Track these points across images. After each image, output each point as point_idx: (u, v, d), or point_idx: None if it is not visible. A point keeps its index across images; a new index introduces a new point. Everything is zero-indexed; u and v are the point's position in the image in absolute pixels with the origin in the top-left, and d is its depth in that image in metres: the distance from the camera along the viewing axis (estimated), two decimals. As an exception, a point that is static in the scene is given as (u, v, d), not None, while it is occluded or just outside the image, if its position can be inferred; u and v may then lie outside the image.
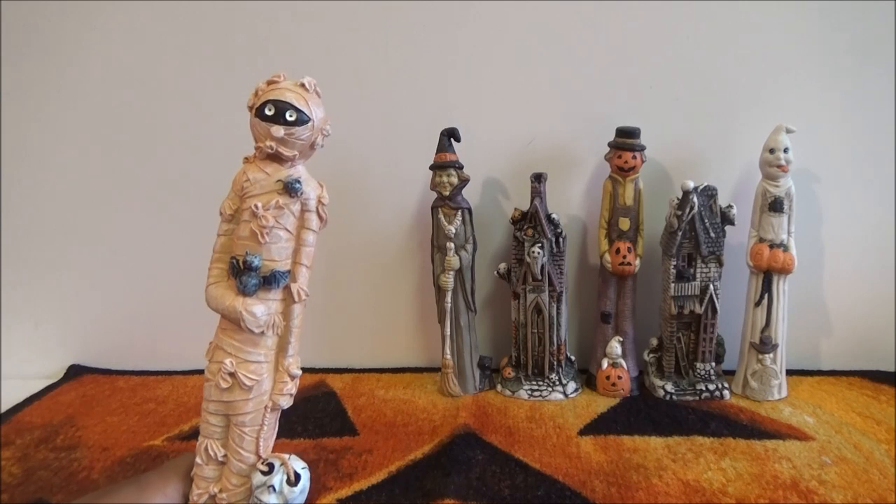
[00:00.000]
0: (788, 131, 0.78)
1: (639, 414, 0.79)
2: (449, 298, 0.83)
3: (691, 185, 0.79)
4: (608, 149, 0.82)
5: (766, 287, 0.81)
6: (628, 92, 0.85)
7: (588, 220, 0.90)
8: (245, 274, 0.49)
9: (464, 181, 0.81)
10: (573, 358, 0.89)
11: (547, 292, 0.82)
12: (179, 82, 0.88)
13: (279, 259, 0.49)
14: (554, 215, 0.81)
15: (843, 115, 0.84)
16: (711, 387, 0.82)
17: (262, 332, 0.51)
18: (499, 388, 0.86)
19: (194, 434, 0.75)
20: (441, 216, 0.82)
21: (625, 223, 0.82)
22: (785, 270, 0.80)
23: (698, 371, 0.84)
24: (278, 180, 0.49)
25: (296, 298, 0.50)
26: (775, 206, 0.79)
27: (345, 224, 0.89)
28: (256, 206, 0.48)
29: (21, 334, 0.96)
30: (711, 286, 0.81)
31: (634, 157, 0.80)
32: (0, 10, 0.87)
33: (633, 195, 0.82)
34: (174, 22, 0.86)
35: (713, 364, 0.84)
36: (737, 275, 0.83)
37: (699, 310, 0.82)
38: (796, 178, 0.81)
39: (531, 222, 0.81)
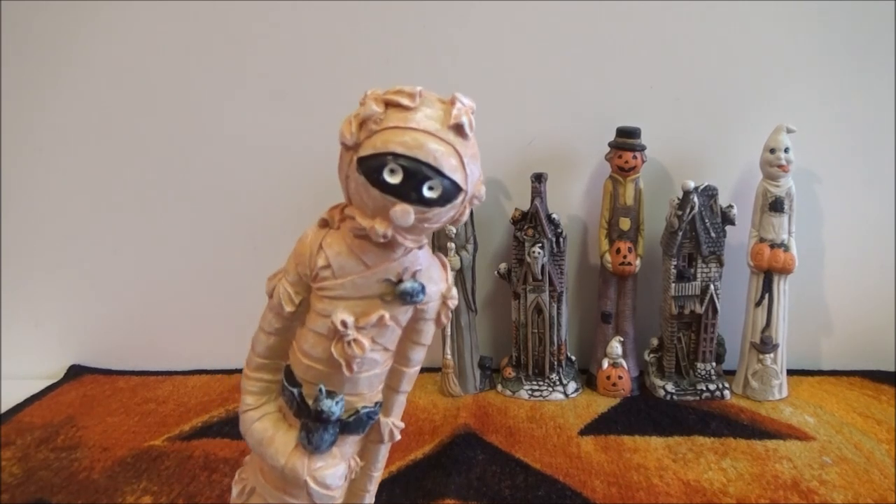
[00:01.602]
0: (789, 131, 0.78)
1: (639, 414, 0.79)
2: (449, 298, 0.83)
3: (692, 185, 0.79)
4: (608, 149, 0.82)
5: (767, 287, 0.81)
6: (628, 92, 0.85)
7: (588, 220, 0.90)
8: (317, 426, 0.31)
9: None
10: (573, 358, 0.89)
11: (547, 292, 0.82)
12: (180, 82, 0.88)
13: (368, 392, 0.33)
14: (554, 215, 0.81)
15: (843, 115, 0.84)
16: (712, 387, 0.82)
17: None
18: (499, 388, 0.86)
19: (194, 434, 0.76)
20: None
21: (625, 223, 0.82)
22: (785, 270, 0.80)
23: (699, 371, 0.84)
24: (386, 279, 0.31)
25: (385, 438, 0.36)
26: (776, 206, 0.79)
27: (345, 224, 0.89)
28: (344, 325, 0.30)
29: (21, 334, 0.96)
30: (712, 286, 0.81)
31: (635, 157, 0.80)
32: (0, 10, 0.87)
33: (633, 195, 0.82)
34: (174, 22, 0.86)
35: (714, 364, 0.84)
36: (737, 275, 0.83)
37: (700, 310, 0.82)
38: (797, 178, 0.81)
39: (531, 222, 0.81)
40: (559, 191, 0.87)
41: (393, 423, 0.35)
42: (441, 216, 0.30)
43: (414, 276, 0.31)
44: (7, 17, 0.87)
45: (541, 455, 0.69)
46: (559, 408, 0.81)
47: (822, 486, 0.62)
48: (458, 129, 0.29)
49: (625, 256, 0.82)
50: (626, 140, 0.80)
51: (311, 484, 0.32)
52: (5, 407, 0.84)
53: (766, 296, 0.81)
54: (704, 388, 0.82)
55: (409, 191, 0.28)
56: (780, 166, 0.78)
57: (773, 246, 0.80)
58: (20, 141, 0.91)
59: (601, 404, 0.82)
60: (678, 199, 0.80)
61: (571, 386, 0.85)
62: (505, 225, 0.89)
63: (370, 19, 0.85)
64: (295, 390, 0.32)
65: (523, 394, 0.84)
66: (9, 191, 0.92)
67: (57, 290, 0.96)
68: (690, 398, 0.82)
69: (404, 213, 0.28)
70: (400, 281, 0.31)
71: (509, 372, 0.86)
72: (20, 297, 0.96)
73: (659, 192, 0.86)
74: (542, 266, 0.81)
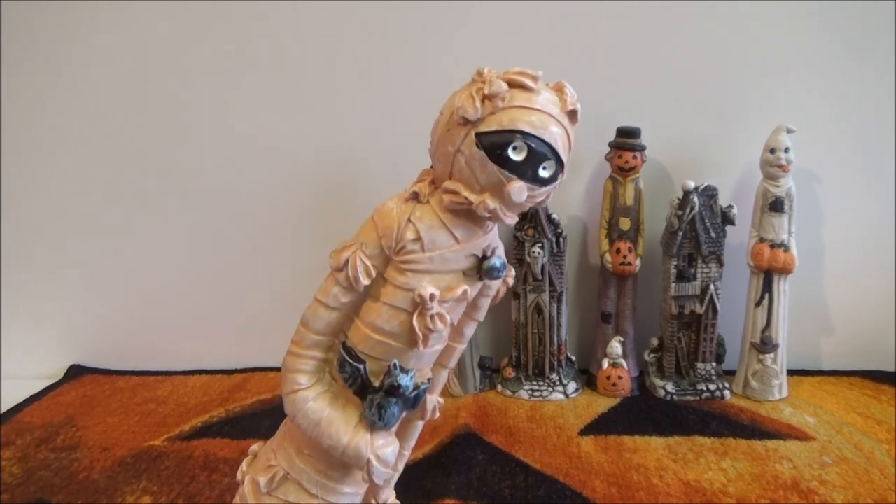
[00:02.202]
0: (789, 131, 0.78)
1: (639, 414, 0.79)
2: (449, 298, 0.83)
3: (692, 185, 0.79)
4: (608, 149, 0.82)
5: (767, 287, 0.81)
6: (628, 92, 0.85)
7: (588, 220, 0.90)
8: (389, 401, 0.31)
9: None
10: (573, 358, 0.89)
11: (547, 292, 0.82)
12: (179, 83, 0.88)
13: (428, 366, 0.33)
14: (554, 215, 0.81)
15: (843, 115, 0.84)
16: (712, 387, 0.82)
17: None
18: (499, 388, 0.86)
19: (194, 434, 0.76)
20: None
21: (625, 223, 0.82)
22: (785, 270, 0.80)
23: (699, 371, 0.84)
24: (472, 255, 0.31)
25: (428, 415, 0.36)
26: (776, 206, 0.79)
27: (347, 226, 0.89)
28: (432, 297, 0.30)
29: (21, 334, 0.96)
30: (712, 286, 0.81)
31: (635, 157, 0.80)
32: (0, 10, 0.87)
33: (633, 195, 0.82)
34: (174, 22, 0.86)
35: (714, 364, 0.84)
36: (737, 275, 0.83)
37: (700, 310, 0.82)
38: (797, 178, 0.81)
39: (531, 222, 0.81)
40: (559, 191, 0.86)
41: (437, 399, 0.36)
42: (543, 196, 0.32)
43: (494, 253, 0.32)
44: (7, 17, 0.87)
45: (541, 455, 0.69)
46: (559, 408, 0.81)
47: (822, 486, 0.62)
48: (572, 115, 0.31)
49: (625, 256, 0.82)
50: (626, 140, 0.80)
51: (375, 462, 0.31)
52: (5, 407, 0.84)
53: (766, 296, 0.81)
54: (704, 388, 0.82)
55: (527, 169, 0.30)
56: (780, 166, 0.78)
57: (773, 246, 0.80)
58: (20, 141, 0.91)
59: (601, 404, 0.81)
60: (678, 199, 0.80)
61: (571, 386, 0.85)
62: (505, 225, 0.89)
63: (370, 19, 0.85)
64: (360, 366, 0.31)
65: (523, 394, 0.84)
66: (9, 191, 0.92)
67: (57, 290, 0.96)
68: (690, 398, 0.82)
69: (521, 190, 0.29)
70: (485, 257, 0.32)
71: (509, 372, 0.86)
72: (20, 297, 0.96)
73: (659, 192, 0.86)
74: (542, 266, 0.81)
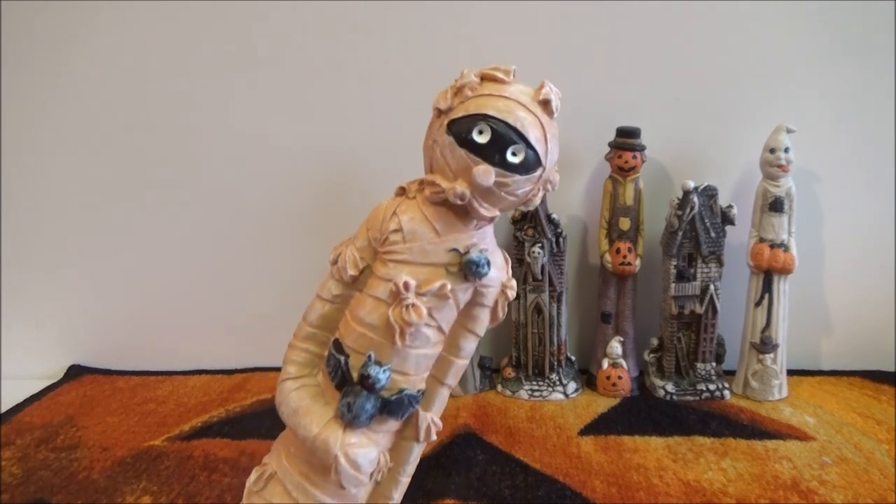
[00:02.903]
0: (789, 131, 0.78)
1: (639, 414, 0.79)
2: (449, 298, 0.83)
3: (691, 185, 0.79)
4: (608, 149, 0.82)
5: (767, 287, 0.81)
6: (628, 92, 0.85)
7: (588, 220, 0.90)
8: (358, 393, 0.30)
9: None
10: (573, 358, 0.89)
11: (547, 292, 0.82)
12: (179, 82, 0.88)
13: (414, 373, 0.32)
14: (554, 215, 0.81)
15: (843, 115, 0.84)
16: (712, 387, 0.82)
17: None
18: (499, 388, 0.86)
19: (194, 434, 0.76)
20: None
21: (625, 223, 0.82)
22: (785, 270, 0.80)
23: (699, 371, 0.84)
24: (453, 249, 0.31)
25: (421, 437, 0.34)
26: (776, 206, 0.79)
27: (347, 225, 0.89)
28: (406, 286, 0.30)
29: (21, 334, 0.96)
30: (712, 286, 0.81)
31: (635, 157, 0.80)
32: (0, 10, 0.87)
33: (633, 195, 0.82)
34: (174, 21, 0.86)
35: (714, 364, 0.84)
36: (737, 275, 0.83)
37: (699, 310, 0.82)
38: (797, 178, 0.81)
39: (531, 222, 0.81)
40: (559, 191, 0.86)
41: (432, 418, 0.34)
42: (518, 186, 0.31)
43: (481, 251, 0.31)
44: (7, 17, 0.87)
45: (541, 455, 0.69)
46: (559, 408, 0.81)
47: (822, 486, 0.62)
48: (545, 105, 0.32)
49: (625, 256, 0.82)
50: (626, 140, 0.80)
51: (342, 460, 0.30)
52: (5, 407, 0.84)
53: (766, 296, 0.81)
54: (704, 388, 0.82)
55: (494, 152, 0.30)
56: (780, 166, 0.78)
57: (773, 246, 0.80)
58: (20, 141, 0.91)
59: (601, 404, 0.82)
60: (678, 199, 0.80)
61: (571, 386, 0.85)
62: (505, 225, 0.89)
63: (370, 19, 0.85)
64: (342, 357, 0.31)
65: (523, 394, 0.84)
66: (9, 191, 0.92)
67: (57, 290, 0.96)
68: (690, 398, 0.82)
69: (486, 172, 0.29)
70: (467, 252, 0.31)
71: (509, 372, 0.86)
72: (20, 297, 0.96)
73: (659, 192, 0.86)
74: (542, 266, 0.81)
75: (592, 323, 0.88)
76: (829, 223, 0.88)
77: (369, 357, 0.30)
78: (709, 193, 0.80)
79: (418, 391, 0.32)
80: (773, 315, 0.81)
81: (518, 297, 0.83)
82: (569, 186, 0.89)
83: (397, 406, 0.30)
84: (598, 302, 0.86)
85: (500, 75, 0.32)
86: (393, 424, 0.32)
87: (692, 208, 0.78)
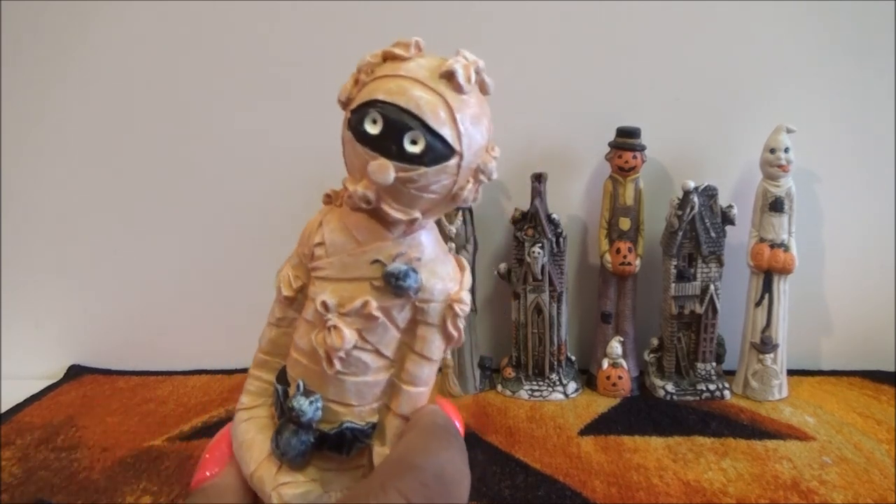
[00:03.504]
0: (789, 131, 0.78)
1: (639, 414, 0.79)
2: (449, 298, 0.83)
3: (692, 185, 0.79)
4: (608, 149, 0.82)
5: (767, 287, 0.81)
6: (628, 92, 0.85)
7: (588, 220, 0.90)
8: (285, 427, 0.26)
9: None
10: (573, 358, 0.89)
11: (547, 292, 0.82)
12: (179, 83, 0.88)
13: (357, 404, 0.27)
14: (554, 215, 0.81)
15: (843, 115, 0.84)
16: (712, 387, 0.82)
17: None
18: (499, 388, 0.86)
19: (194, 434, 0.76)
20: (442, 216, 0.82)
21: (625, 223, 0.82)
22: (785, 270, 0.80)
23: (699, 371, 0.84)
24: (375, 261, 0.26)
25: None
26: (776, 206, 0.79)
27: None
28: (324, 305, 0.26)
29: (21, 334, 0.96)
30: (712, 286, 0.81)
31: (635, 157, 0.80)
32: (0, 10, 0.87)
33: (633, 195, 0.82)
34: (174, 21, 0.86)
35: (714, 364, 0.84)
36: (737, 275, 0.83)
37: (700, 310, 0.82)
38: (797, 178, 0.81)
39: (531, 222, 0.81)
40: (559, 191, 0.87)
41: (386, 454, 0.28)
42: (429, 181, 0.25)
43: (409, 262, 0.26)
44: (7, 17, 0.87)
45: (541, 455, 0.69)
46: (559, 408, 0.81)
47: (822, 486, 0.62)
48: (450, 78, 0.24)
49: (625, 256, 0.82)
50: (626, 140, 0.80)
51: (274, 500, 0.26)
52: (5, 407, 0.84)
53: (766, 296, 0.81)
54: (704, 389, 0.82)
55: (389, 143, 0.24)
56: (780, 166, 0.78)
57: (773, 246, 0.80)
58: (20, 141, 0.91)
59: (601, 404, 0.81)
60: (678, 199, 0.80)
61: (571, 386, 0.85)
62: (505, 225, 0.89)
63: (370, 19, 0.85)
64: (280, 387, 0.28)
65: (523, 394, 0.84)
66: (9, 191, 0.92)
67: (57, 290, 0.96)
68: (690, 398, 0.82)
69: (381, 168, 0.24)
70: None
71: (509, 372, 0.86)
72: (20, 297, 0.96)
73: (659, 192, 0.86)
74: (542, 266, 0.81)
75: (592, 323, 0.88)
76: (829, 223, 0.88)
77: (298, 387, 0.26)
78: (709, 193, 0.80)
79: (366, 424, 0.27)
80: (773, 315, 0.81)
81: (518, 297, 0.83)
82: (569, 186, 0.89)
83: (337, 441, 0.26)
84: (598, 302, 0.86)
85: (400, 51, 0.26)
86: (344, 461, 0.27)
87: (692, 208, 0.78)
